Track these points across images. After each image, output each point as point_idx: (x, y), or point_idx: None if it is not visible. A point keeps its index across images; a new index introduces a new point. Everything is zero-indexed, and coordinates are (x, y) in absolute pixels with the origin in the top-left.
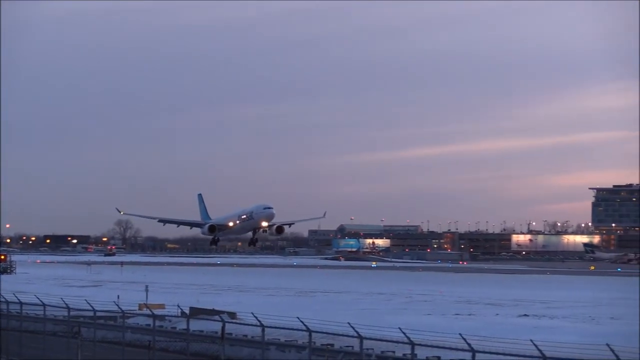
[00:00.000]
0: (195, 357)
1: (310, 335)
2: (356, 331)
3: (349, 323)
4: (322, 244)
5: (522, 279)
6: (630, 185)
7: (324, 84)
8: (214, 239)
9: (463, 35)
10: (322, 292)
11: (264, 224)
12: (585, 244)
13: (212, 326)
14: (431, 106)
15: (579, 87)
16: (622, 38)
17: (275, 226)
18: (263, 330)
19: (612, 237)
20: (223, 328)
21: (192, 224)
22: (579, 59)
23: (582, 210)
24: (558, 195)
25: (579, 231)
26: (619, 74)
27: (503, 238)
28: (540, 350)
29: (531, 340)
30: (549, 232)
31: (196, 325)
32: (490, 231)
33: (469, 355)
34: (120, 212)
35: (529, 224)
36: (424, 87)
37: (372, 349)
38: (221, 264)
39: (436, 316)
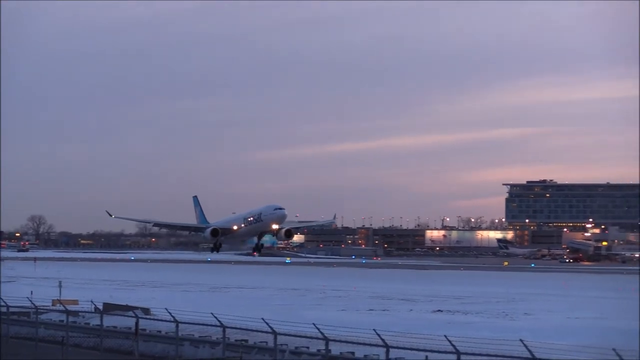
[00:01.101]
0: (108, 353)
1: (224, 331)
2: (270, 327)
3: (262, 319)
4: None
5: (436, 274)
6: (544, 181)
7: (240, 78)
8: (215, 244)
9: (381, 29)
10: (236, 288)
11: (274, 226)
12: (499, 240)
13: (125, 322)
14: (347, 102)
15: (493, 84)
16: (542, 34)
17: (284, 229)
18: (177, 326)
19: (526, 232)
20: (137, 324)
21: (190, 228)
22: (498, 55)
23: (496, 206)
24: (472, 191)
25: (492, 227)
26: (534, 70)
27: (417, 234)
28: (454, 346)
29: (445, 336)
30: (463, 227)
31: (110, 321)
32: (405, 227)
33: (382, 350)
34: (111, 216)
35: (443, 220)
36: (345, 82)
37: (287, 344)
38: (135, 260)
39: (350, 312)
